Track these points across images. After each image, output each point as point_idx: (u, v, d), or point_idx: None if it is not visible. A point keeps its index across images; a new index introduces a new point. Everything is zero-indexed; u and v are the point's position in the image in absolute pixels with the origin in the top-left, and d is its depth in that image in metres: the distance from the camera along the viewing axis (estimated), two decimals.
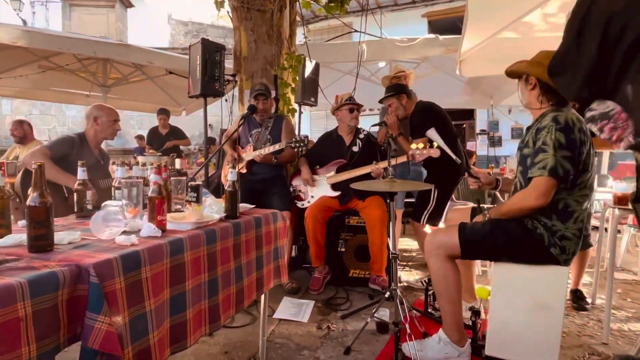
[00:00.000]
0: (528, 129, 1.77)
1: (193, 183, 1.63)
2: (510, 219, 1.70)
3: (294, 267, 3.21)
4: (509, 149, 9.34)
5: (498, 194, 2.70)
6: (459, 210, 2.16)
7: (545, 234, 1.63)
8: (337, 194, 2.93)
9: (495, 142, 9.72)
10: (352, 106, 2.98)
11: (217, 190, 3.01)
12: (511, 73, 1.80)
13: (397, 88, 2.81)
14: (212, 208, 1.66)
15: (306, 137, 2.68)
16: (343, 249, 2.88)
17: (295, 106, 3.67)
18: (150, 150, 4.84)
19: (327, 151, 3.07)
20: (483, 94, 6.04)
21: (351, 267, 2.88)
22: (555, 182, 1.59)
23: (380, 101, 2.92)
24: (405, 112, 2.79)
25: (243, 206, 1.92)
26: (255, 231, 1.72)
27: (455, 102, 6.28)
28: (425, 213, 2.71)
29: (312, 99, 3.99)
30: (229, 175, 1.69)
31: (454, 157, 2.02)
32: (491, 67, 3.41)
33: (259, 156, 2.78)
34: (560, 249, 1.62)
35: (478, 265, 3.06)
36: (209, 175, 3.10)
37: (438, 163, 2.50)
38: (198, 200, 1.62)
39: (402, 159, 2.70)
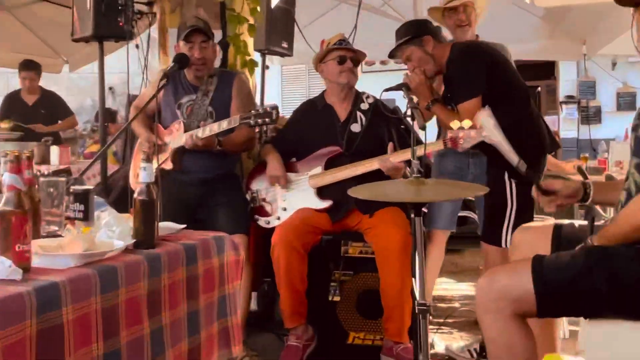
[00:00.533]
0: None
1: (78, 188, 1.62)
2: (618, 247, 1.70)
3: (255, 329, 3.20)
4: (614, 127, 9.50)
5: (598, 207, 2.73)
6: (532, 229, 2.17)
7: None
8: (326, 204, 2.94)
9: (590, 116, 9.89)
10: (343, 53, 2.98)
11: (122, 199, 2.99)
12: None
13: (414, 28, 2.83)
14: (112, 230, 1.65)
15: (274, 107, 2.68)
16: (337, 298, 2.88)
17: (257, 56, 3.66)
18: (3, 126, 4.77)
19: (309, 133, 3.07)
20: (570, 36, 6.12)
21: (351, 329, 2.89)
22: None
23: (392, 54, 2.93)
24: (437, 63, 2.81)
25: (166, 227, 1.91)
26: (185, 269, 1.72)
27: (525, 51, 6.33)
28: (506, 227, 2.70)
29: (285, 45, 3.99)
30: (140, 175, 1.68)
31: (515, 160, 2.05)
32: None
33: (195, 140, 2.76)
34: None
35: (564, 324, 3.09)
36: (109, 174, 3.07)
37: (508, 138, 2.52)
38: (87, 218, 1.62)
39: (437, 145, 2.72)
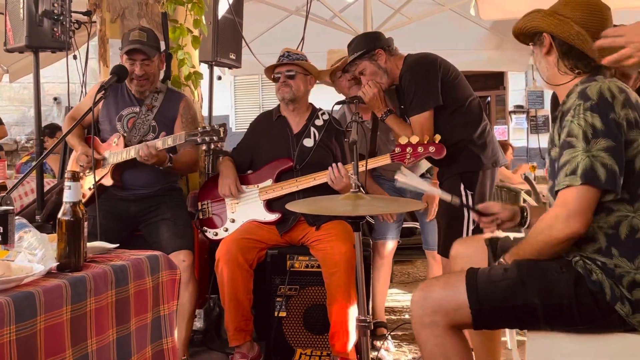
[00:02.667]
0: (554, 119, 1.85)
1: None
2: (548, 261, 1.73)
3: (199, 349, 3.15)
4: None
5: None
6: (470, 240, 2.17)
7: (605, 282, 1.67)
8: (274, 217, 2.92)
9: (539, 125, 10.13)
10: (278, 69, 3.01)
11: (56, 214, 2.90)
12: (519, 32, 1.89)
13: (366, 42, 2.84)
14: (34, 253, 1.57)
15: (222, 125, 2.66)
16: (283, 314, 2.85)
17: (203, 69, 3.61)
18: None
19: (263, 143, 3.06)
20: (517, 48, 6.23)
21: (298, 345, 2.86)
22: (595, 193, 1.63)
23: (345, 69, 2.95)
24: (390, 76, 2.84)
25: (97, 247, 1.85)
26: (114, 292, 1.65)
27: (473, 62, 6.45)
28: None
29: (233, 56, 3.96)
30: (65, 193, 1.61)
31: (448, 198, 2.10)
32: (527, 4, 3.53)
33: (148, 151, 2.65)
34: (631, 305, 1.66)
35: (510, 335, 3.12)
36: (46, 190, 2.96)
37: (459, 148, 2.57)
38: (5, 240, 1.54)
39: (383, 160, 2.73)
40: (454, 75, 2.79)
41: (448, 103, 2.72)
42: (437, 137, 2.60)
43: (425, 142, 2.61)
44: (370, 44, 2.82)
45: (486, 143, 2.78)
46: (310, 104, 3.15)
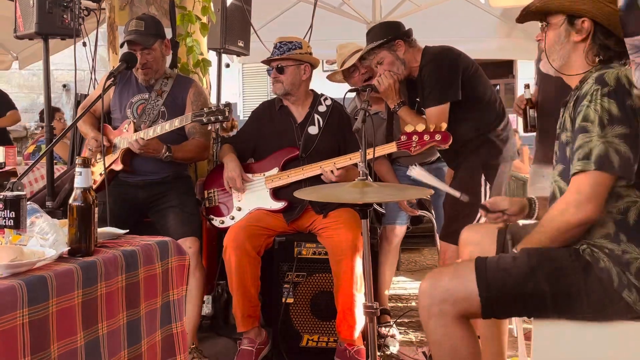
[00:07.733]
0: (564, 104, 1.83)
1: (8, 194, 1.54)
2: (558, 249, 1.73)
3: (210, 334, 3.18)
4: None
5: None
6: (478, 227, 2.17)
7: (613, 269, 1.67)
8: (281, 205, 2.93)
9: None
10: (269, 66, 3.01)
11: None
12: (537, 11, 1.82)
13: (386, 32, 2.81)
14: (46, 238, 1.59)
15: (227, 105, 2.67)
16: (291, 300, 2.87)
17: (211, 56, 3.61)
18: None
19: (266, 134, 3.07)
20: (527, 35, 6.21)
21: (305, 331, 2.89)
22: (608, 179, 1.63)
23: (363, 58, 2.92)
24: (407, 68, 2.82)
25: (107, 232, 1.87)
26: (124, 277, 1.67)
27: (484, 50, 6.43)
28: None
29: (241, 44, 3.96)
30: (76, 179, 1.63)
31: (457, 194, 2.13)
32: None
33: (138, 142, 2.69)
34: (638, 293, 1.66)
35: (516, 323, 3.12)
36: (56, 176, 2.99)
37: (482, 140, 2.61)
38: (17, 225, 1.54)
39: (389, 147, 2.73)
40: (474, 69, 2.79)
41: (471, 96, 2.72)
42: (444, 125, 2.59)
43: (432, 130, 2.60)
44: (390, 34, 2.79)
45: (508, 136, 2.81)
46: (312, 90, 3.13)
